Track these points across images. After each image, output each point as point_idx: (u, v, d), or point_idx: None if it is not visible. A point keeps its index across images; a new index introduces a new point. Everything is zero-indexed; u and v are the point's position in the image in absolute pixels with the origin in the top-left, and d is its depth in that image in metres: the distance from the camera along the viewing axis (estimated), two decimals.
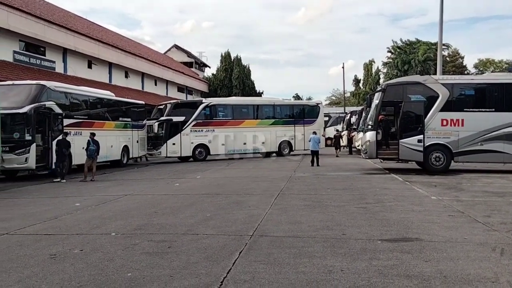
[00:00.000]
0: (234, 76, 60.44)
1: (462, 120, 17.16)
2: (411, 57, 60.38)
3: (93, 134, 18.19)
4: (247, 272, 5.39)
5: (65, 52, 33.06)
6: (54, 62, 31.64)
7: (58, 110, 18.93)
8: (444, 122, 17.19)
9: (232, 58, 62.08)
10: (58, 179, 17.10)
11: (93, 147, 17.52)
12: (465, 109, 17.34)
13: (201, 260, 5.92)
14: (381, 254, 6.05)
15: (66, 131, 18.25)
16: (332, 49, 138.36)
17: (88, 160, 17.48)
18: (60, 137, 17.70)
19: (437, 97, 17.25)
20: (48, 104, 18.36)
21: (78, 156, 18.88)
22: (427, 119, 17.16)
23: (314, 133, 24.18)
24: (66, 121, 19.36)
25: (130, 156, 25.56)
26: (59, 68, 32.18)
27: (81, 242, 7.04)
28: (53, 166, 17.99)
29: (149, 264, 5.78)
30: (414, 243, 6.65)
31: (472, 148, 17.11)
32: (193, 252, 6.30)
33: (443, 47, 44.07)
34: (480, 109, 17.34)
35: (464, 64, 67.09)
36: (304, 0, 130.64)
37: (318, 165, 21.31)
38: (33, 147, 17.25)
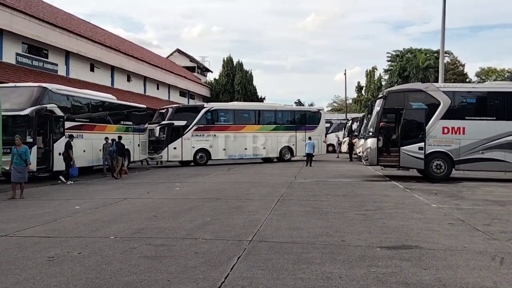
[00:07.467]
0: (236, 81, 60.46)
1: (463, 128, 17.14)
2: (411, 63, 60.20)
3: (119, 138, 20.27)
4: (245, 277, 5.37)
5: (67, 55, 33.15)
6: (56, 65, 31.72)
7: (59, 112, 18.95)
8: (445, 130, 17.16)
9: (235, 63, 62.15)
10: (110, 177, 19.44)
11: (112, 148, 19.46)
12: (466, 117, 17.31)
13: (199, 264, 5.90)
14: (380, 261, 6.03)
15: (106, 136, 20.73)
16: (337, 56, 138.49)
17: (114, 161, 19.40)
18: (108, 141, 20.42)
19: (438, 104, 17.23)
20: (50, 106, 18.39)
21: (80, 159, 18.99)
22: (428, 126, 17.14)
23: (310, 138, 28.05)
24: (68, 124, 19.40)
25: (131, 159, 25.56)
26: (61, 71, 32.26)
27: (79, 245, 7.03)
28: (55, 169, 18.19)
29: (147, 268, 5.77)
30: (414, 250, 6.63)
31: (473, 157, 17.09)
32: (192, 257, 6.28)
33: (444, 54, 43.98)
34: (482, 118, 17.32)
35: (465, 72, 67.03)
36: (314, 6, 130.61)
37: (311, 165, 25.31)
38: (34, 149, 17.21)
